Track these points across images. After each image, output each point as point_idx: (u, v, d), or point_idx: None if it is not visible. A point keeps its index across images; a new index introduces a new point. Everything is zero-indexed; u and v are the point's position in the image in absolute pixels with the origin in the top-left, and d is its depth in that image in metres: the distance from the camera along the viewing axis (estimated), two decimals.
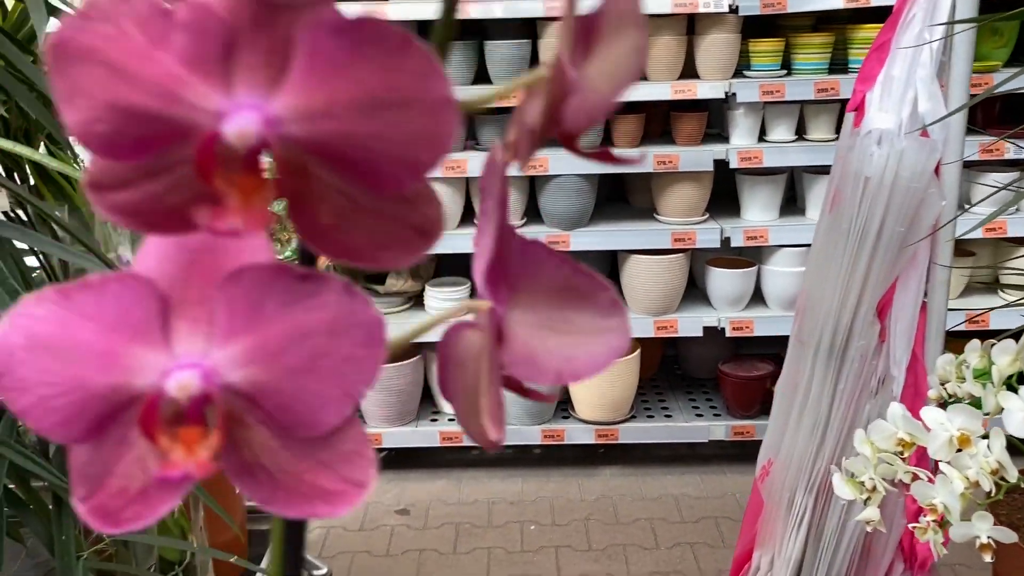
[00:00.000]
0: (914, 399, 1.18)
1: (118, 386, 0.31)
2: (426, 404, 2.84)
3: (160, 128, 0.29)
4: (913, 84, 1.17)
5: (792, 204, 2.70)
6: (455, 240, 2.60)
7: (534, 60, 2.58)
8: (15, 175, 1.22)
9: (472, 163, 2.51)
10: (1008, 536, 0.95)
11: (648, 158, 2.52)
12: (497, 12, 2.44)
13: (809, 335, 1.27)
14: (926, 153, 1.14)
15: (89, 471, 0.32)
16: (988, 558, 0.95)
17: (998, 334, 1.07)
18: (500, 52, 2.54)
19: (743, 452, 2.59)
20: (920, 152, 1.13)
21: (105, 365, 0.31)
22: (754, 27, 2.55)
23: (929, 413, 1.00)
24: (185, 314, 0.31)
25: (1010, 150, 2.11)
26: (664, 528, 2.42)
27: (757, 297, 2.64)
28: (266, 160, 0.29)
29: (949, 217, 1.13)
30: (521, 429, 2.67)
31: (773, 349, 2.64)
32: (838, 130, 2.57)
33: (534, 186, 2.67)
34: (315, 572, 1.98)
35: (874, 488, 1.02)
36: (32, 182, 1.22)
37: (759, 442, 1.44)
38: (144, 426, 0.30)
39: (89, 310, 0.30)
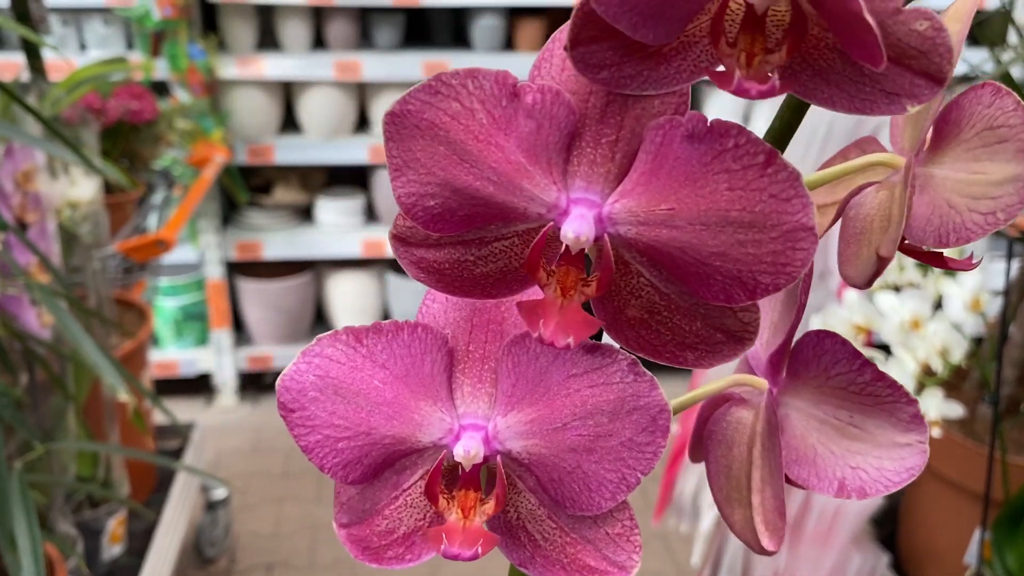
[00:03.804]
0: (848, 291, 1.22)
1: (402, 438, 0.31)
2: (319, 325, 2.74)
3: (490, 210, 0.28)
4: None
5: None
6: (348, 149, 2.50)
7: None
8: None
9: (367, 66, 2.39)
10: (955, 411, 1.00)
11: None
12: None
13: None
14: None
15: (355, 505, 0.33)
16: (936, 433, 1.00)
17: None
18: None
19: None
20: None
21: (392, 415, 0.31)
22: None
23: (883, 298, 1.02)
24: (469, 370, 0.31)
25: None
26: None
27: None
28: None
29: None
30: None
31: None
32: None
33: None
34: (213, 495, 1.89)
35: None
36: None
37: None
38: (429, 488, 0.30)
39: (380, 357, 0.30)
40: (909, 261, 1.13)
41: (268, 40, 2.53)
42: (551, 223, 0.28)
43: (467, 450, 0.30)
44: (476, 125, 0.27)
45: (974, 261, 0.33)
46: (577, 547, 0.31)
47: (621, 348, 0.30)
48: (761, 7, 0.24)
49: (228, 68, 2.37)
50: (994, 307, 1.18)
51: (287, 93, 2.54)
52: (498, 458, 0.30)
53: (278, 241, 2.53)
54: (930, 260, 0.33)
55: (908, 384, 0.99)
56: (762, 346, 0.33)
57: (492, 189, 0.27)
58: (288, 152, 2.48)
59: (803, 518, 1.28)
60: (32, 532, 0.88)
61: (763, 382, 0.32)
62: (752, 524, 0.31)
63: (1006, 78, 1.19)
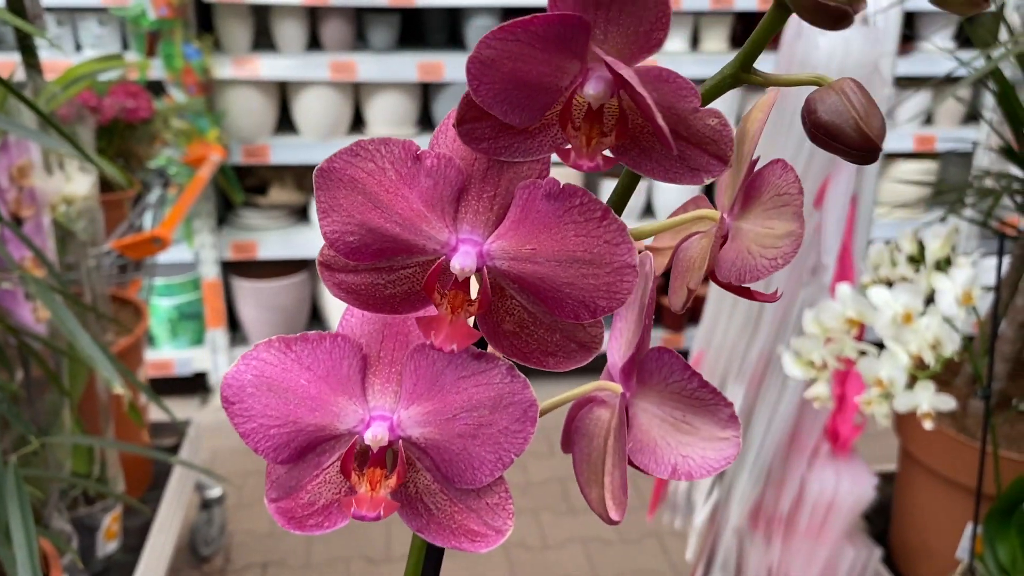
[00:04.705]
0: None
1: (323, 426, 0.38)
2: (314, 324, 2.74)
3: (397, 246, 0.35)
4: None
5: None
6: None
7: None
8: None
9: (362, 66, 2.39)
10: (947, 403, 1.00)
11: None
12: None
13: None
14: (871, 42, 1.17)
15: (283, 483, 0.39)
16: (928, 425, 1.00)
17: None
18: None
19: None
20: (865, 41, 1.16)
21: (315, 408, 0.37)
22: None
23: (876, 293, 1.03)
24: (379, 372, 0.38)
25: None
26: None
27: None
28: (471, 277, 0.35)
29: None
30: None
31: None
32: (732, 43, 2.61)
33: (428, 93, 2.59)
34: (208, 493, 1.89)
35: (824, 365, 1.05)
36: None
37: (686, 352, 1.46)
38: (344, 465, 0.37)
39: (307, 360, 0.37)
40: (901, 256, 1.14)
41: (263, 40, 2.53)
42: (444, 257, 0.35)
43: (375, 435, 0.36)
44: (387, 181, 0.34)
45: (778, 294, 0.41)
46: (463, 515, 0.38)
47: (501, 356, 0.37)
48: (596, 104, 0.33)
49: (224, 68, 2.38)
50: (985, 303, 1.19)
51: (283, 93, 2.54)
52: (400, 442, 0.37)
53: (273, 241, 2.53)
54: (740, 292, 0.40)
55: (901, 377, 1.00)
56: (619, 358, 0.40)
57: (398, 230, 0.35)
58: (284, 152, 2.49)
59: (797, 513, 1.29)
60: (27, 527, 0.89)
61: (618, 387, 0.40)
62: (602, 501, 0.38)
63: (996, 75, 1.20)
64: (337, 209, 0.35)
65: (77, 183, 1.18)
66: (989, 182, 1.41)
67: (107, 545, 1.33)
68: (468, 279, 0.35)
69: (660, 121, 0.32)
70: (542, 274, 0.35)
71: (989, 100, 2.53)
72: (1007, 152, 1.36)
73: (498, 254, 0.35)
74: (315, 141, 2.51)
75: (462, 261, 0.34)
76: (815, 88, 0.34)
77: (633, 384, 0.40)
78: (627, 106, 0.34)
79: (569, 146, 0.34)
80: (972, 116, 2.78)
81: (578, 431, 0.40)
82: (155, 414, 1.83)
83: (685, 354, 1.53)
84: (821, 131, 0.33)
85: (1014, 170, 1.40)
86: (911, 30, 2.63)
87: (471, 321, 0.36)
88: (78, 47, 2.46)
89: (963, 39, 2.62)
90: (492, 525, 0.38)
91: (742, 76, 0.35)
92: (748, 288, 0.40)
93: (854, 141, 0.32)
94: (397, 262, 0.36)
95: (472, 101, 0.33)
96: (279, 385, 0.37)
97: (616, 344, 0.40)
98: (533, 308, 0.36)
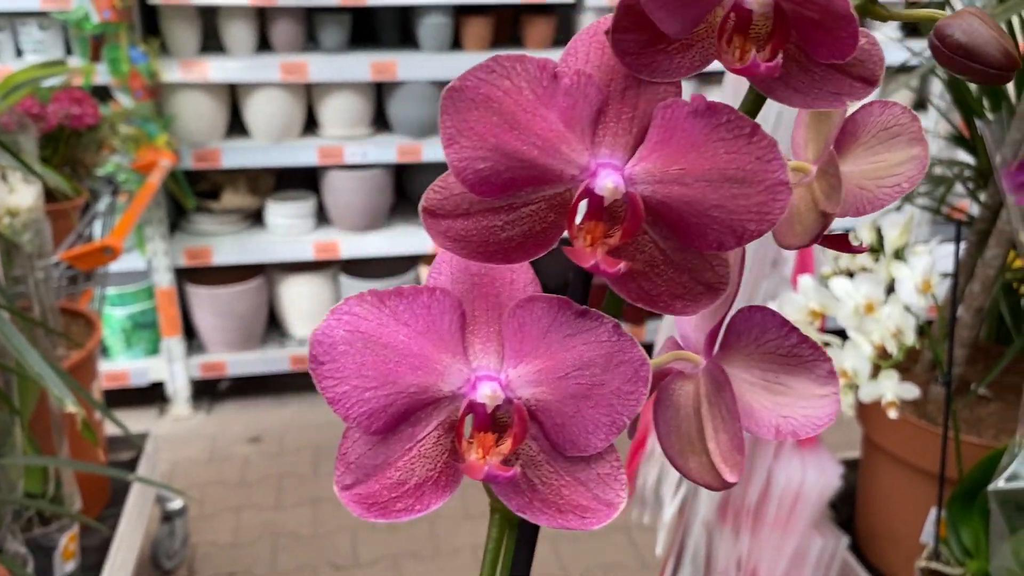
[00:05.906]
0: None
1: (425, 387, 0.34)
2: (272, 330, 2.70)
3: (532, 173, 0.33)
4: None
5: None
6: (297, 151, 2.47)
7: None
8: None
9: (313, 67, 2.36)
10: (911, 392, 1.01)
11: None
12: None
13: None
14: None
15: (366, 462, 0.35)
16: (893, 414, 1.01)
17: None
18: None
19: None
20: None
21: (416, 367, 0.34)
22: None
23: (837, 283, 1.04)
24: (477, 331, 0.35)
25: None
26: None
27: None
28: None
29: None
30: None
31: None
32: None
33: (382, 93, 2.56)
34: (169, 505, 1.85)
35: None
36: None
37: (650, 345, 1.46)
38: (458, 429, 0.34)
39: (403, 316, 0.34)
40: None
41: (212, 43, 2.49)
42: (584, 183, 0.33)
43: (493, 391, 0.34)
44: (524, 100, 0.32)
45: (859, 245, 0.41)
46: (571, 488, 0.35)
47: (604, 312, 0.35)
48: (760, 10, 0.32)
49: (171, 71, 2.33)
50: (941, 290, 1.20)
51: (233, 96, 2.50)
52: (515, 400, 0.34)
53: (228, 246, 2.49)
54: (834, 245, 0.40)
55: (865, 367, 1.01)
56: (692, 330, 0.40)
57: (536, 153, 0.33)
58: (235, 156, 2.44)
59: (764, 505, 1.29)
60: None
61: (696, 356, 0.39)
62: (710, 467, 0.37)
63: None
64: (467, 133, 0.32)
65: (21, 194, 1.14)
66: (939, 169, 1.43)
67: (65, 565, 1.29)
68: (604, 210, 0.33)
69: (854, 12, 0.30)
70: (690, 197, 0.32)
71: (936, 87, 2.57)
72: (957, 139, 1.38)
73: (642, 177, 0.33)
74: (267, 144, 2.47)
75: (614, 180, 0.32)
76: (934, 21, 0.33)
77: (715, 352, 0.38)
78: (787, 11, 0.32)
79: (722, 59, 0.33)
80: (920, 103, 2.82)
81: (661, 403, 0.39)
82: (112, 428, 1.79)
83: (648, 348, 1.53)
84: (960, 52, 0.31)
85: (963, 156, 1.42)
86: (861, 20, 2.65)
87: None
88: (19, 53, 2.39)
89: (911, 28, 2.66)
90: (603, 499, 0.35)
91: (869, 7, 0.35)
92: (843, 238, 0.40)
93: (995, 59, 0.31)
94: (519, 199, 0.34)
95: (630, 7, 0.32)
96: (377, 341, 0.34)
97: (710, 313, 0.38)
98: (664, 244, 0.34)
